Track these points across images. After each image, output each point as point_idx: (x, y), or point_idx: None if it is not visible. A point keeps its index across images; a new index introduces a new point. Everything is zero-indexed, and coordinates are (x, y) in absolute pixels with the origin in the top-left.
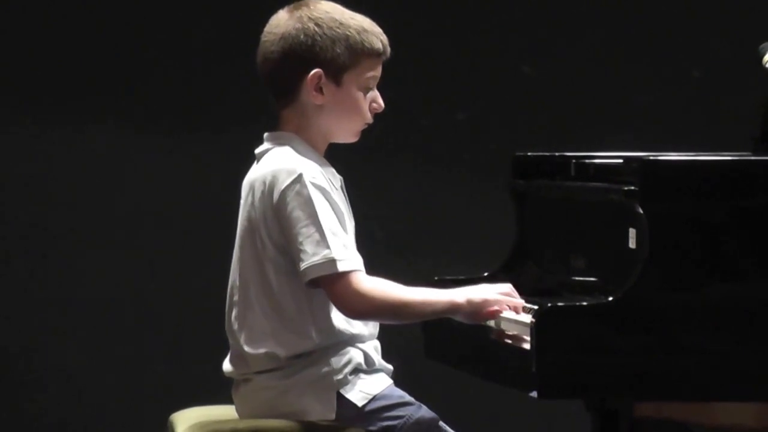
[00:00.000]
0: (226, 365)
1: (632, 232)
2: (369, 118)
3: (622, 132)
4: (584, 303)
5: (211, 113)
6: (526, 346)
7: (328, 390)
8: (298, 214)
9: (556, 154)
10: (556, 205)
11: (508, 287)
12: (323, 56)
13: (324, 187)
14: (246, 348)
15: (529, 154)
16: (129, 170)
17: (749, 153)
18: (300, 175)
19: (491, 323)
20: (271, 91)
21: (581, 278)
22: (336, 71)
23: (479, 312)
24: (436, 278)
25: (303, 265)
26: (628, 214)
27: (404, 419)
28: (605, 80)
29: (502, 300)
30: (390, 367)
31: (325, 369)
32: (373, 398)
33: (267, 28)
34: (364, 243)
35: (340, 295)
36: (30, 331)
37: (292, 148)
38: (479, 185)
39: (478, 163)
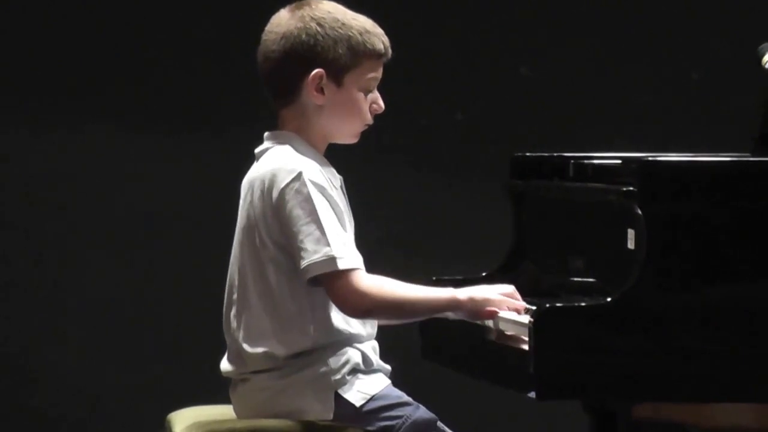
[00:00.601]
0: (224, 365)
1: (631, 232)
2: (369, 119)
3: (621, 133)
4: (582, 304)
5: (211, 113)
6: (525, 346)
7: (326, 390)
8: (298, 212)
9: (554, 154)
10: (555, 206)
11: (510, 288)
12: (325, 56)
13: (323, 186)
14: (244, 347)
15: (527, 154)
16: (129, 170)
17: (748, 154)
18: (300, 174)
19: (489, 323)
20: (271, 91)
21: (579, 279)
22: (337, 72)
23: (480, 310)
24: (434, 278)
25: (304, 263)
26: (626, 215)
27: (402, 419)
28: (604, 81)
29: (504, 300)
30: (388, 367)
31: (323, 369)
32: (371, 398)
33: (268, 27)
34: (361, 243)
35: (340, 293)
36: (28, 331)
37: (291, 147)
38: (477, 186)
39: (476, 164)
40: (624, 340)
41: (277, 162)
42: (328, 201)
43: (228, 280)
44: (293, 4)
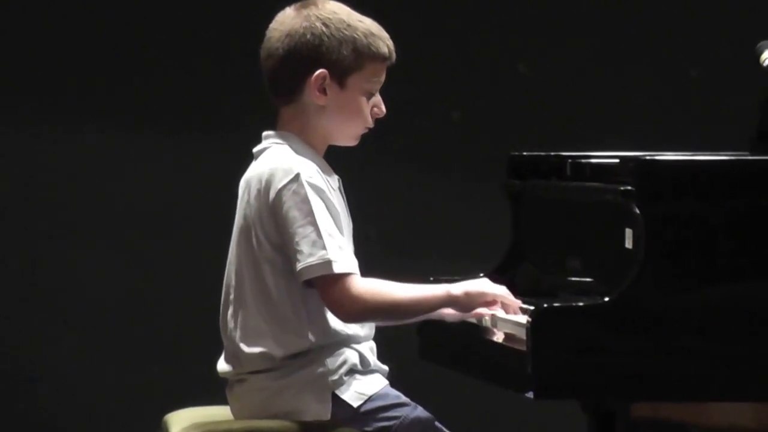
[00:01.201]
0: (221, 365)
1: (629, 232)
2: (370, 122)
3: (619, 132)
4: (580, 303)
5: (211, 113)
6: (523, 346)
7: (323, 390)
8: (294, 213)
9: (552, 154)
10: (552, 206)
11: (503, 289)
12: (329, 57)
13: (321, 187)
14: (241, 347)
15: (524, 153)
16: (128, 170)
17: (747, 153)
18: (297, 175)
19: (487, 323)
20: (273, 89)
21: (577, 279)
22: (341, 73)
23: (475, 303)
24: (431, 279)
25: (299, 266)
26: (624, 215)
27: (399, 420)
28: (602, 80)
29: (499, 294)
30: (385, 368)
31: (321, 369)
32: (369, 399)
33: (273, 25)
34: (359, 243)
35: (334, 298)
36: (26, 331)
37: (290, 147)
38: (475, 185)
39: (473, 163)
40: (622, 339)
41: (274, 162)
42: (325, 203)
43: (225, 280)
44: (299, 3)
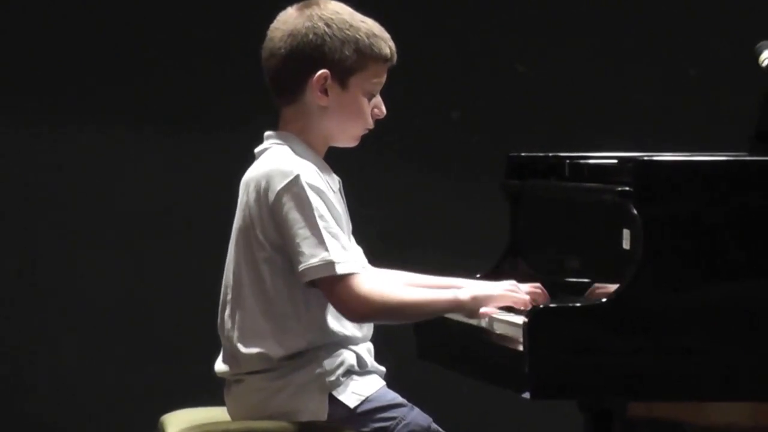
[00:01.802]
0: (219, 365)
1: (626, 233)
2: (370, 123)
3: (618, 132)
4: (577, 304)
5: (211, 113)
6: (520, 347)
7: (320, 391)
8: (294, 215)
9: (550, 154)
10: (550, 206)
11: (511, 283)
12: (331, 57)
13: (320, 188)
14: (239, 348)
15: (522, 154)
16: (128, 170)
17: (745, 153)
18: (297, 177)
19: (484, 324)
20: (275, 88)
21: (575, 279)
22: (343, 74)
23: (481, 308)
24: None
25: (301, 267)
26: (622, 215)
27: (397, 421)
28: (601, 80)
29: (507, 296)
30: (383, 369)
31: (318, 370)
32: (366, 400)
33: (275, 24)
34: (357, 242)
35: (340, 298)
36: (24, 332)
37: (290, 148)
38: (473, 185)
39: (472, 164)
40: (619, 340)
41: (274, 163)
42: (326, 204)
43: (224, 280)
44: (301, 3)
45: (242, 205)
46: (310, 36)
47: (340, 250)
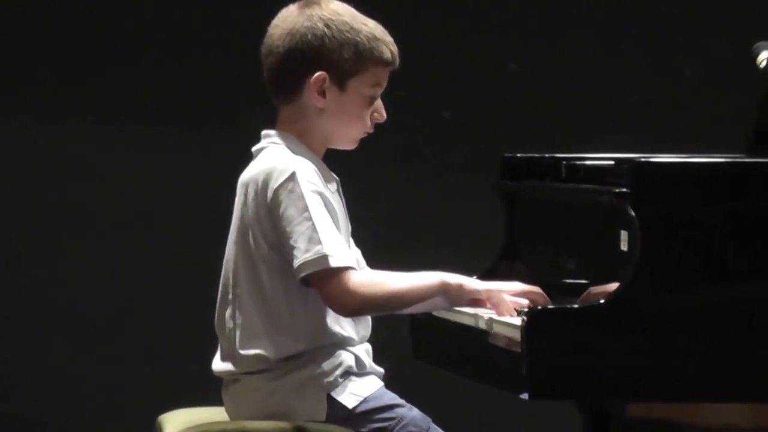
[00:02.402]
0: (216, 364)
1: (623, 234)
2: (369, 127)
3: (614, 132)
4: (575, 305)
5: (210, 113)
6: (517, 348)
7: (318, 392)
8: (291, 212)
9: (546, 155)
10: (546, 207)
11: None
12: (330, 59)
13: (318, 186)
14: (236, 348)
15: (518, 155)
16: (128, 169)
17: (743, 154)
18: (294, 174)
19: (483, 325)
20: (273, 86)
21: (572, 280)
22: (341, 76)
23: (465, 299)
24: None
25: (296, 262)
26: (619, 216)
27: (395, 421)
28: (598, 80)
29: (494, 298)
30: (381, 370)
31: (316, 371)
32: (364, 400)
33: (275, 22)
34: (358, 243)
35: (331, 292)
36: (19, 331)
37: (288, 147)
38: (468, 186)
39: (467, 164)
40: (617, 341)
41: (271, 162)
42: (323, 201)
43: (222, 279)
44: (303, 1)
45: (240, 205)
46: (309, 36)
47: (335, 244)
